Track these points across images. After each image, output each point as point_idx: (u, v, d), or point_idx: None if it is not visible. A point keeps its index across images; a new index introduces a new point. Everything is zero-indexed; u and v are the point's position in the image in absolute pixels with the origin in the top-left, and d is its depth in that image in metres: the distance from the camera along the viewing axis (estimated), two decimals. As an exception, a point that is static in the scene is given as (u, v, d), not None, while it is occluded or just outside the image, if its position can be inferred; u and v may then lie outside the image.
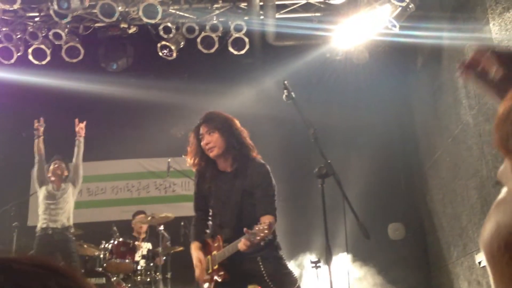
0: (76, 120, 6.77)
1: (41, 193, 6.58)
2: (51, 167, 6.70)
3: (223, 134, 3.79)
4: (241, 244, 3.33)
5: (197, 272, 3.73)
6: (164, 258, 6.79)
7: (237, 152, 3.78)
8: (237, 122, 3.99)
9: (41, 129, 6.65)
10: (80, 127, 6.74)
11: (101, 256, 6.57)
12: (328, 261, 3.47)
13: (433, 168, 7.35)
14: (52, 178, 6.63)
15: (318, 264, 5.95)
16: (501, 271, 0.76)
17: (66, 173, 6.74)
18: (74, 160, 6.73)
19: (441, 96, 6.76)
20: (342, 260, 6.02)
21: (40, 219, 6.48)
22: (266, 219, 3.44)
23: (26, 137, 7.97)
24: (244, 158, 3.78)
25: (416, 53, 7.66)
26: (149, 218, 6.64)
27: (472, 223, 5.92)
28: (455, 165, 6.39)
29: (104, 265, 6.48)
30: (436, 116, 7.02)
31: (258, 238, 3.19)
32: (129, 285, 6.43)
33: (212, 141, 3.78)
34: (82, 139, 6.76)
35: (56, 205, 6.50)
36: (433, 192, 7.41)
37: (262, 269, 3.61)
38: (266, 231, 3.19)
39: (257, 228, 3.22)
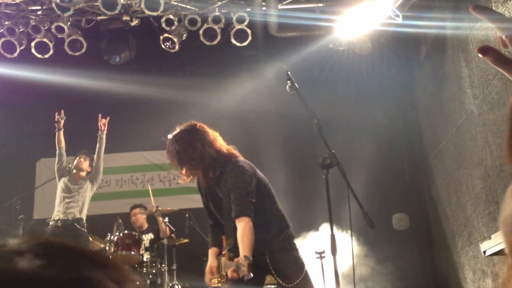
0: (99, 116, 6.75)
1: (59, 185, 6.71)
2: (76, 161, 6.77)
3: (187, 163, 3.69)
4: (229, 272, 3.34)
5: (207, 277, 3.71)
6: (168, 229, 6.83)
7: (210, 162, 3.68)
8: (197, 132, 3.80)
9: (62, 121, 6.65)
10: (103, 123, 6.72)
11: (107, 248, 6.60)
12: (333, 251, 3.48)
13: (437, 158, 7.33)
14: (74, 171, 6.70)
15: (323, 255, 5.96)
16: None
17: (89, 168, 6.80)
18: (95, 156, 6.76)
19: (445, 85, 6.74)
20: (347, 250, 6.03)
21: (55, 211, 6.63)
22: (240, 225, 3.43)
23: (31, 133, 8.01)
24: (219, 164, 3.70)
25: (420, 43, 7.63)
26: (153, 210, 6.68)
27: (477, 213, 5.91)
28: (460, 154, 6.38)
29: (110, 257, 6.51)
30: (440, 105, 7.00)
31: (241, 274, 3.21)
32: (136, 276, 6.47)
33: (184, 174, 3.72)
34: (104, 135, 6.73)
35: (71, 198, 6.58)
36: (438, 182, 7.40)
37: (269, 262, 3.62)
38: (244, 272, 3.18)
39: (240, 264, 3.23)
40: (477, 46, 1.30)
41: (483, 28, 5.36)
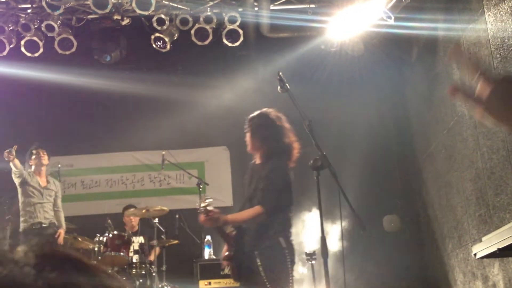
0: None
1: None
2: (34, 156, 6.79)
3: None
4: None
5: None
6: (159, 249, 6.80)
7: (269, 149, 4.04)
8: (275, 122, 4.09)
9: (12, 156, 6.39)
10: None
11: (96, 249, 6.55)
12: (323, 253, 3.46)
13: (428, 160, 7.34)
14: (33, 168, 6.79)
15: (313, 257, 5.94)
16: None
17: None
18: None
19: (436, 87, 6.75)
20: (338, 252, 6.01)
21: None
22: (251, 208, 3.80)
23: (19, 128, 7.93)
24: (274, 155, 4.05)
25: (411, 44, 7.64)
26: (143, 211, 6.62)
27: (467, 215, 5.92)
28: (450, 156, 6.39)
29: (99, 258, 6.46)
30: (431, 107, 7.01)
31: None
32: (124, 278, 6.41)
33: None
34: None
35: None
36: (428, 184, 7.41)
37: (259, 263, 3.61)
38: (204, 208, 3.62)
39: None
40: (468, 57, 1.28)
41: (474, 30, 5.37)
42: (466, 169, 5.85)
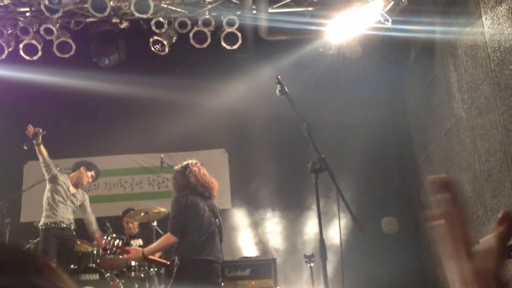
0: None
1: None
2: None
3: None
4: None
5: None
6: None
7: None
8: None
9: (40, 136, 6.36)
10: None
11: (95, 252, 6.55)
12: (322, 255, 3.47)
13: (426, 162, 7.36)
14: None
15: (312, 259, 5.95)
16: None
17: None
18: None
19: (434, 90, 6.77)
20: (336, 254, 6.02)
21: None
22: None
23: (19, 134, 7.93)
24: None
25: (409, 47, 7.67)
26: (142, 214, 6.62)
27: (465, 217, 5.93)
28: (448, 159, 6.41)
29: (98, 261, 6.46)
30: (429, 110, 7.03)
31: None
32: (123, 281, 6.41)
33: None
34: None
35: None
36: (426, 186, 7.43)
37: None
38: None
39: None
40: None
41: (472, 33, 5.40)
42: (463, 171, 5.87)
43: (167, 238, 4.74)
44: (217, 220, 4.92)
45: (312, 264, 5.92)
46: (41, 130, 6.34)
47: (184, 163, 4.97)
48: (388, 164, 8.33)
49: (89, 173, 6.95)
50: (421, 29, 6.68)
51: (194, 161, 5.00)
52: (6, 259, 0.65)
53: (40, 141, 6.33)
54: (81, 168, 6.95)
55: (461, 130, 5.88)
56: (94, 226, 6.85)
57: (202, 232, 4.68)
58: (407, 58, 7.82)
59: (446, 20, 6.16)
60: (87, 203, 6.96)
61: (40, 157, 6.45)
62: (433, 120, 6.87)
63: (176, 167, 5.03)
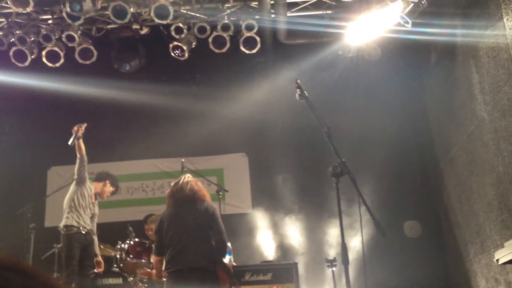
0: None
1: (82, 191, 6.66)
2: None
3: None
4: None
5: None
6: None
7: None
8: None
9: (81, 131, 6.37)
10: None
11: (118, 256, 6.61)
12: (344, 260, 3.45)
13: (448, 165, 7.28)
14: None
15: (334, 263, 5.93)
16: None
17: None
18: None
19: (455, 92, 6.70)
20: (358, 258, 5.99)
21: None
22: None
23: (43, 141, 8.04)
24: None
25: (430, 50, 7.60)
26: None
27: (490, 220, 5.86)
28: (471, 161, 6.33)
29: (121, 265, 6.52)
30: (451, 112, 6.96)
31: None
32: (146, 285, 6.46)
33: None
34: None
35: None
36: (449, 189, 7.35)
37: None
38: None
39: None
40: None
41: (493, 35, 5.33)
42: (487, 173, 5.79)
43: (153, 258, 5.17)
44: (196, 223, 4.74)
45: (334, 269, 5.90)
46: (83, 125, 6.37)
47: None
48: (409, 167, 8.25)
49: (112, 189, 6.90)
50: (441, 31, 6.61)
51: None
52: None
53: (81, 134, 6.32)
54: (107, 181, 6.87)
55: (483, 132, 5.80)
56: (96, 248, 6.66)
57: (175, 243, 4.68)
58: (428, 60, 7.75)
59: (467, 23, 6.10)
60: (96, 218, 6.77)
61: (78, 153, 6.37)
62: (455, 122, 6.80)
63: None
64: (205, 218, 4.75)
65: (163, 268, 4.82)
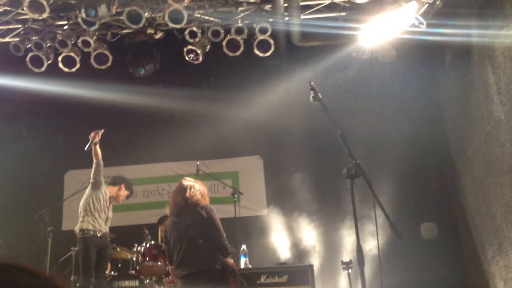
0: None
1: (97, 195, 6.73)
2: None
3: None
4: None
5: None
6: None
7: None
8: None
9: (98, 138, 6.50)
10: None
11: (134, 259, 6.66)
12: (359, 262, 3.44)
13: (465, 166, 7.23)
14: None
15: (350, 265, 5.90)
16: None
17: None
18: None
19: (471, 93, 6.65)
20: (374, 260, 5.96)
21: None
22: None
23: (59, 145, 8.12)
24: None
25: (445, 51, 7.55)
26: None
27: (507, 222, 5.80)
28: (488, 162, 6.28)
29: (137, 268, 6.57)
30: (467, 113, 6.90)
31: None
32: (162, 287, 6.50)
33: None
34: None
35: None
36: (466, 191, 7.28)
37: None
38: None
39: None
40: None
41: (509, 35, 5.29)
42: (504, 174, 5.74)
43: (169, 267, 5.39)
44: (192, 229, 4.85)
45: (350, 271, 5.87)
46: (101, 131, 6.48)
47: None
48: (425, 168, 8.20)
49: (127, 192, 6.99)
50: (456, 32, 6.57)
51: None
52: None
53: (97, 140, 6.44)
54: (122, 185, 6.96)
55: (500, 133, 5.75)
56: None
57: (178, 251, 4.89)
58: (443, 61, 7.70)
59: (482, 23, 6.05)
60: (109, 222, 6.81)
61: (94, 158, 6.48)
62: (471, 123, 6.74)
63: None
64: (201, 222, 4.88)
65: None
